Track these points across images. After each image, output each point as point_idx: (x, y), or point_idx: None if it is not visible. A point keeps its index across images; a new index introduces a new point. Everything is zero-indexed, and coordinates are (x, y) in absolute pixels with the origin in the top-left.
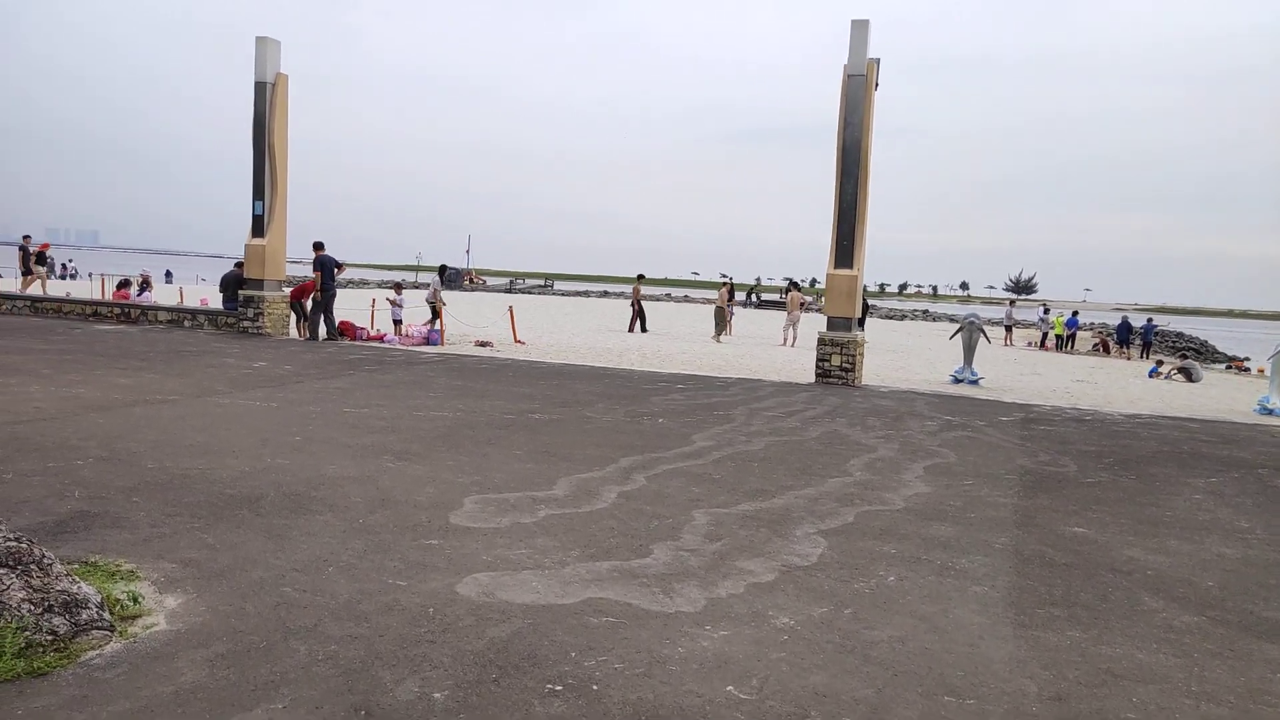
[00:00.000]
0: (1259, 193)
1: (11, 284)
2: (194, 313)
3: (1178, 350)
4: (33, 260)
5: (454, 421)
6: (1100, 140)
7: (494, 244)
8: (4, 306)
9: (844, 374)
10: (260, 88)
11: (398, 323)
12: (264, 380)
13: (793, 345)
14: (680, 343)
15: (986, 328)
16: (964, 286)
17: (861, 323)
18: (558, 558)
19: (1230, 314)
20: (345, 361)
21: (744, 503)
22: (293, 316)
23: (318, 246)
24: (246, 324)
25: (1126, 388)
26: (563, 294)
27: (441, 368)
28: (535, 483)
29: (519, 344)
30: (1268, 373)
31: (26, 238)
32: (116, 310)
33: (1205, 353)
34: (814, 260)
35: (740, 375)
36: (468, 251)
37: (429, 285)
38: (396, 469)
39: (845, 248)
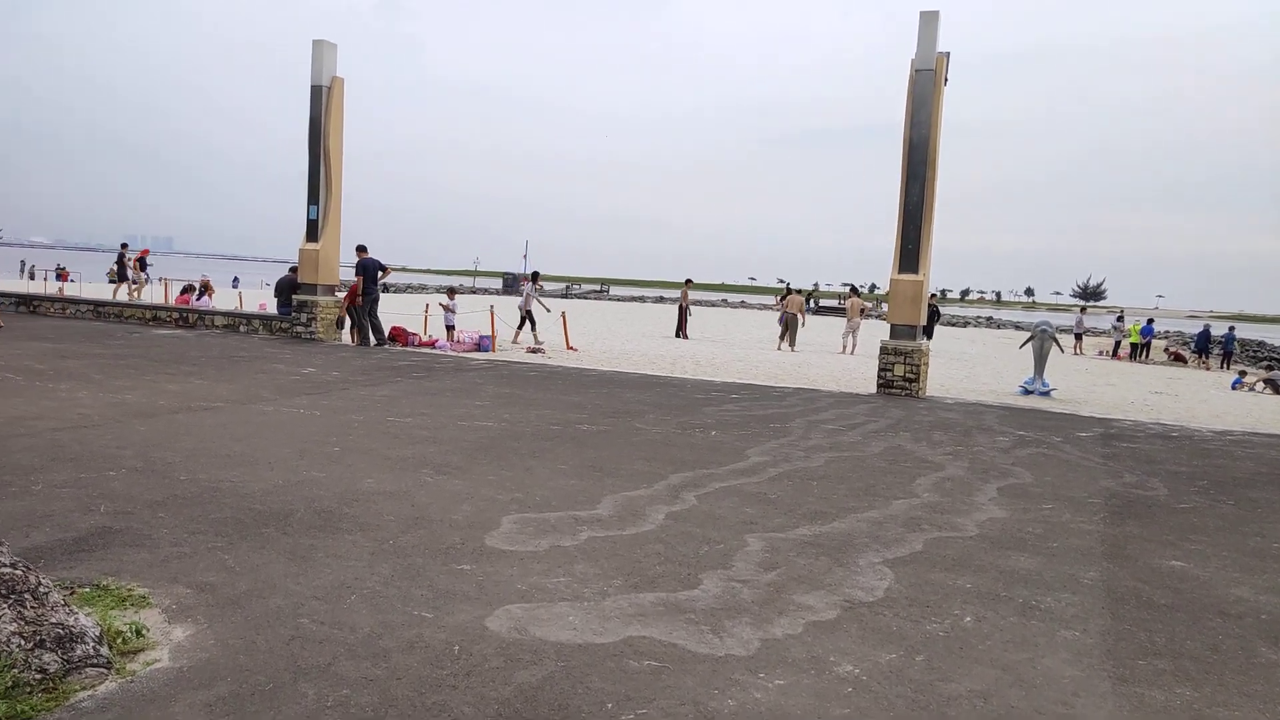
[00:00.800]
0: None
1: (95, 288)
2: (249, 318)
3: (1260, 360)
4: (134, 266)
5: (498, 432)
6: (1165, 129)
7: (550, 251)
8: (69, 311)
9: (907, 385)
10: (316, 91)
11: (450, 328)
12: (311, 387)
13: (852, 353)
14: (735, 349)
15: (1059, 335)
16: (1029, 292)
17: (929, 332)
18: (598, 587)
19: None
20: (393, 368)
21: (801, 526)
22: (347, 321)
23: (360, 250)
24: (300, 329)
25: (1209, 401)
26: (617, 299)
27: (490, 375)
28: (578, 501)
29: (571, 350)
30: None
31: (124, 245)
32: (175, 315)
33: None
34: (874, 265)
35: (797, 385)
36: (525, 257)
37: (523, 293)
38: (435, 483)
39: (910, 251)
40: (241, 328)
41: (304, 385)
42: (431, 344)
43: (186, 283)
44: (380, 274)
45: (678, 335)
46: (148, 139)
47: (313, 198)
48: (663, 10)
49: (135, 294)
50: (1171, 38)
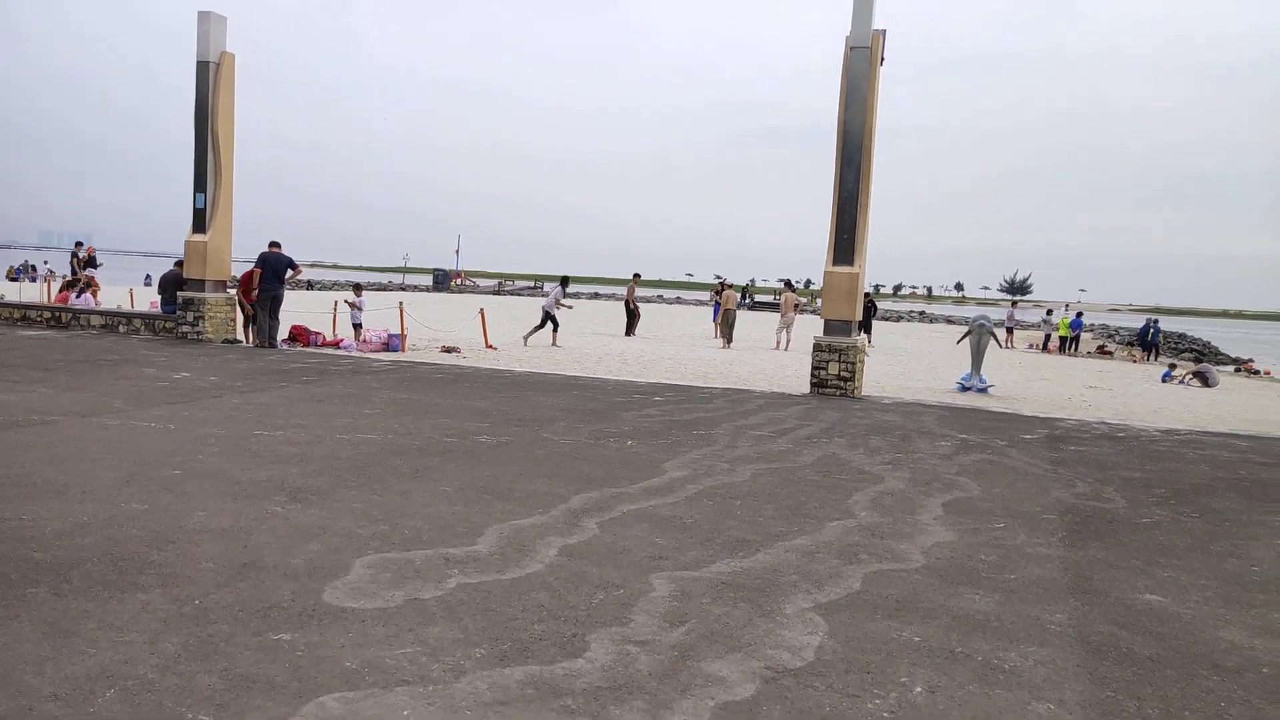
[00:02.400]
0: (1257, 192)
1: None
2: (130, 317)
3: (1180, 352)
4: (80, 265)
5: (381, 446)
6: (1096, 137)
7: (490, 246)
8: None
9: (842, 384)
10: (202, 68)
11: (357, 327)
12: (177, 395)
13: (786, 349)
14: (666, 346)
15: (996, 330)
16: (959, 287)
17: (868, 327)
18: (454, 660)
19: (1226, 314)
20: (282, 371)
21: (720, 560)
22: (241, 318)
23: (273, 245)
24: (186, 329)
25: (1144, 395)
26: None
27: (391, 378)
28: (456, 534)
29: (491, 349)
30: None
31: (78, 244)
32: (47, 315)
33: (1209, 354)
34: (814, 264)
35: (727, 385)
36: (457, 252)
37: (549, 294)
38: (283, 516)
39: (845, 242)
40: (121, 328)
41: (169, 393)
42: (335, 344)
43: (67, 278)
44: (290, 272)
45: (628, 335)
46: (67, 122)
47: (199, 185)
48: (615, 5)
49: (94, 296)
50: (1105, 47)
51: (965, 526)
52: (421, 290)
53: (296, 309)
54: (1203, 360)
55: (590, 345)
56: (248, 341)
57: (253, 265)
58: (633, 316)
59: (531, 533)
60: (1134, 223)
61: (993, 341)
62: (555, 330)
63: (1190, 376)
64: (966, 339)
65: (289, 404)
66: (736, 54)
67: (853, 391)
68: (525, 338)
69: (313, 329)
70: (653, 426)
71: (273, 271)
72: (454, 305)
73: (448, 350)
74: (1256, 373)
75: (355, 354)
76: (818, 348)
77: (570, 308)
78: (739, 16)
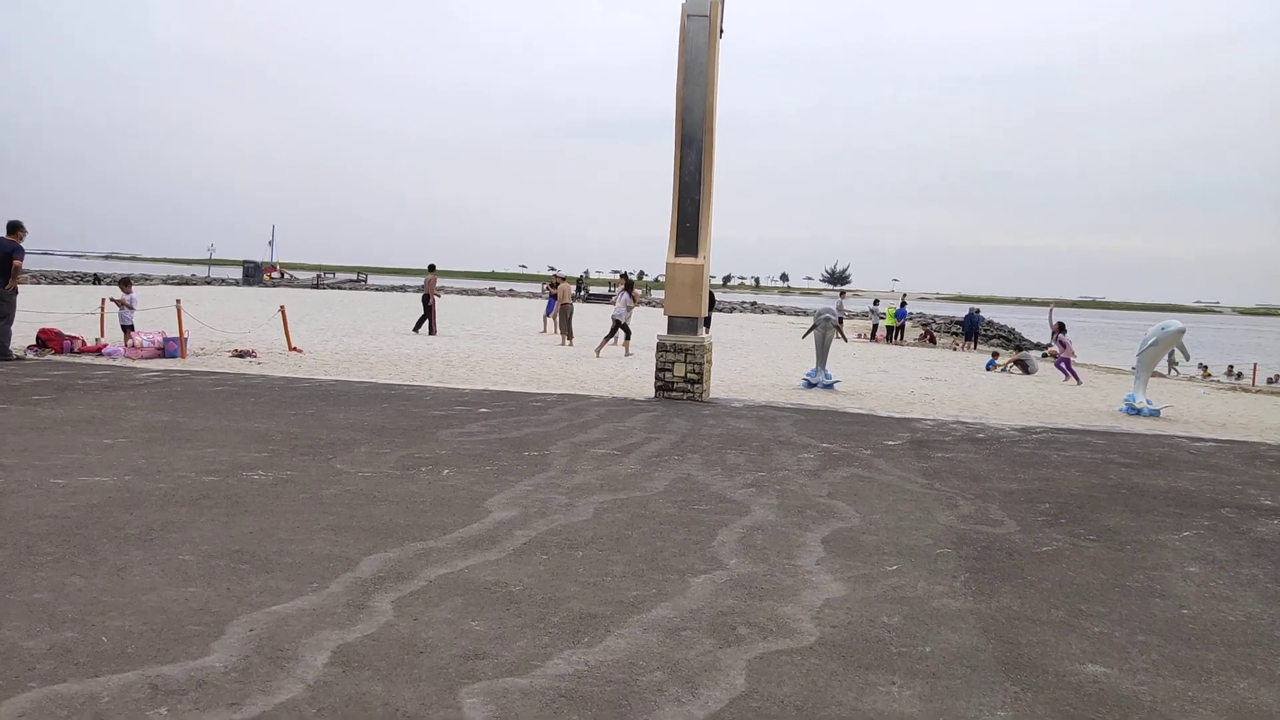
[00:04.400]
0: (1034, 192)
1: None
2: None
3: (989, 339)
4: None
5: (110, 495)
6: (889, 134)
7: (309, 235)
8: None
9: (689, 386)
10: None
11: (127, 329)
12: None
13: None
14: (498, 344)
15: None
16: (784, 278)
17: (708, 322)
18: None
19: (1018, 301)
20: (6, 389)
21: (558, 653)
22: None
23: (11, 228)
24: None
25: (979, 386)
26: (377, 289)
27: (155, 393)
28: (183, 637)
29: (294, 352)
30: (1135, 370)
31: None
32: None
33: (1014, 340)
34: (648, 255)
35: (563, 390)
36: (270, 244)
37: (617, 302)
38: None
39: (688, 231)
40: None
41: None
42: (97, 350)
43: None
44: (15, 262)
45: (418, 329)
46: None
47: None
48: None
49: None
50: (930, 43)
51: (855, 573)
52: (230, 284)
53: (63, 309)
54: (1022, 349)
55: (410, 346)
56: None
57: None
58: (430, 312)
59: (297, 626)
60: (944, 221)
61: (839, 336)
62: (628, 338)
63: (1012, 365)
64: (811, 334)
65: None
66: (553, 45)
67: (701, 395)
68: (597, 350)
69: (69, 333)
70: (476, 448)
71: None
72: (263, 301)
73: (240, 355)
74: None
75: (120, 362)
76: (662, 347)
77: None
78: (554, 7)
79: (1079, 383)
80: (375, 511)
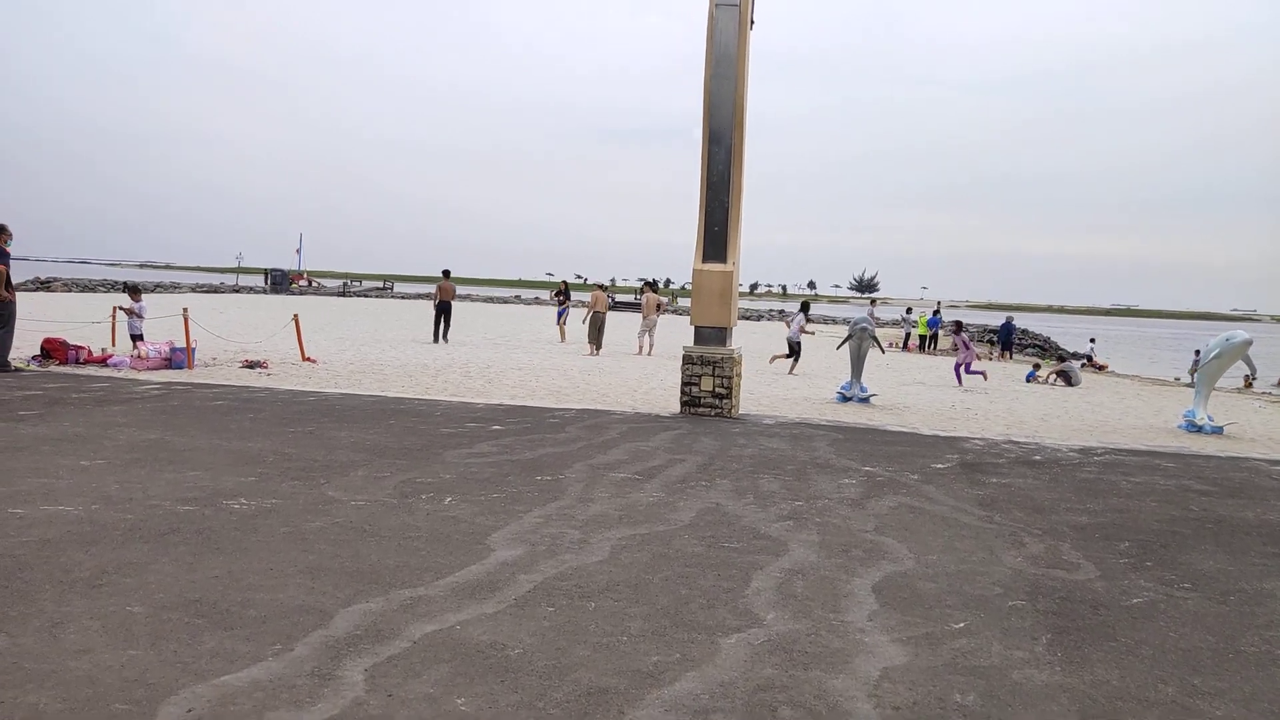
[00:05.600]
0: (1063, 194)
1: None
2: None
3: (1023, 348)
4: None
5: (69, 527)
6: (916, 133)
7: (339, 243)
8: None
9: (717, 402)
10: None
11: (136, 338)
12: None
13: (649, 354)
14: (517, 353)
15: (878, 334)
16: (811, 285)
17: None
18: None
19: (1050, 309)
20: None
21: None
22: None
23: None
24: None
25: (1022, 399)
26: (403, 297)
27: (149, 409)
28: (110, 716)
29: (308, 363)
30: (1195, 384)
31: None
32: None
33: (1050, 350)
34: (675, 261)
35: (584, 404)
36: (298, 251)
37: (790, 323)
38: None
39: (716, 235)
40: None
41: None
42: (103, 359)
43: None
44: None
45: (437, 340)
46: None
47: None
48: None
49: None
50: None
51: (915, 631)
52: (257, 292)
53: (81, 317)
54: (1065, 360)
55: (429, 356)
56: None
57: None
58: (444, 319)
59: (245, 705)
60: (974, 226)
61: (876, 347)
62: (797, 360)
63: (1054, 376)
64: (846, 344)
65: None
66: (581, 51)
67: (730, 411)
68: (790, 372)
69: (76, 342)
70: (484, 471)
71: None
72: (288, 309)
73: (250, 366)
74: (1101, 368)
75: (123, 373)
76: (688, 359)
77: (813, 334)
78: (579, 14)
79: (966, 390)
80: (362, 549)
